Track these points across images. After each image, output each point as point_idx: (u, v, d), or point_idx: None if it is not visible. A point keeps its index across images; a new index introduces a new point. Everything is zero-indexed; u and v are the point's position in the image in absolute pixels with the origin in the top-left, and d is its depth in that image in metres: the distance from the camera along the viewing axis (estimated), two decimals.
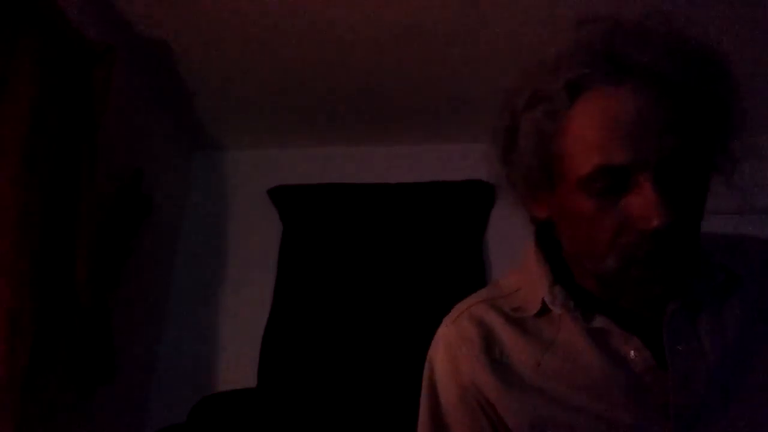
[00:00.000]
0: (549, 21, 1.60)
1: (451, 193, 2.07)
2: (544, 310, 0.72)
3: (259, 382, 1.85)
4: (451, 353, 0.78)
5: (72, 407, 1.44)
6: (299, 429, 1.68)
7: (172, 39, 1.69)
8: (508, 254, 2.01)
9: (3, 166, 1.17)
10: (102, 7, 1.55)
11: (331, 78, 1.85)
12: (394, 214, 2.06)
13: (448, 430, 0.76)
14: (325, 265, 2.00)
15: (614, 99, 0.62)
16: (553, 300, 0.71)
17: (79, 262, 1.34)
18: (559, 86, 0.64)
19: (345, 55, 1.75)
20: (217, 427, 1.63)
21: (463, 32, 1.65)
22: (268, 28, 1.64)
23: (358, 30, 1.65)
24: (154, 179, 1.89)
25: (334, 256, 2.01)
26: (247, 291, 2.03)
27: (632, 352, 0.66)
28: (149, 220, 1.79)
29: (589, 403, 0.66)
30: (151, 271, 1.92)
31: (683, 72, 0.61)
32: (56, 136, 1.29)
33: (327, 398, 1.78)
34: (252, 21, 1.61)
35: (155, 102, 1.94)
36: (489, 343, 0.75)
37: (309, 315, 1.93)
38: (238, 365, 1.91)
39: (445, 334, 0.80)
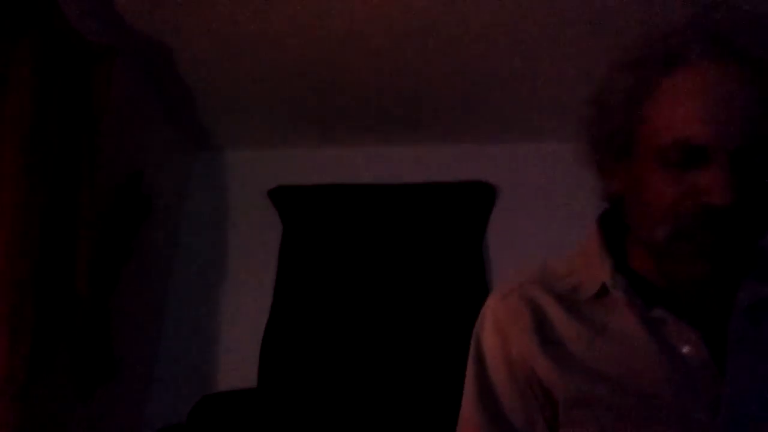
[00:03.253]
0: (549, 22, 1.61)
1: (451, 193, 2.07)
2: (600, 295, 0.73)
3: (259, 382, 1.85)
4: (500, 327, 0.78)
5: (72, 407, 1.44)
6: (299, 429, 1.68)
7: (173, 39, 1.69)
8: (508, 255, 2.02)
9: (3, 166, 1.17)
10: (102, 8, 1.55)
11: (332, 79, 1.85)
12: (394, 214, 2.06)
13: (496, 404, 0.76)
14: (326, 265, 2.00)
15: (706, 78, 0.63)
16: (615, 285, 0.71)
17: (79, 262, 1.34)
18: (658, 54, 0.66)
19: (345, 56, 1.75)
20: (217, 427, 1.63)
21: (463, 33, 1.65)
22: (268, 28, 1.64)
23: (359, 31, 1.65)
24: (154, 180, 1.89)
25: (334, 256, 2.01)
26: (247, 291, 2.03)
27: (686, 348, 0.66)
28: (149, 220, 1.79)
29: (638, 386, 0.66)
30: (151, 271, 1.92)
31: None
32: (56, 136, 1.29)
33: (327, 398, 1.78)
34: (252, 21, 1.61)
35: (155, 102, 1.94)
36: (540, 322, 0.75)
37: (309, 315, 1.93)
38: (238, 365, 1.91)
39: (494, 309, 0.80)
